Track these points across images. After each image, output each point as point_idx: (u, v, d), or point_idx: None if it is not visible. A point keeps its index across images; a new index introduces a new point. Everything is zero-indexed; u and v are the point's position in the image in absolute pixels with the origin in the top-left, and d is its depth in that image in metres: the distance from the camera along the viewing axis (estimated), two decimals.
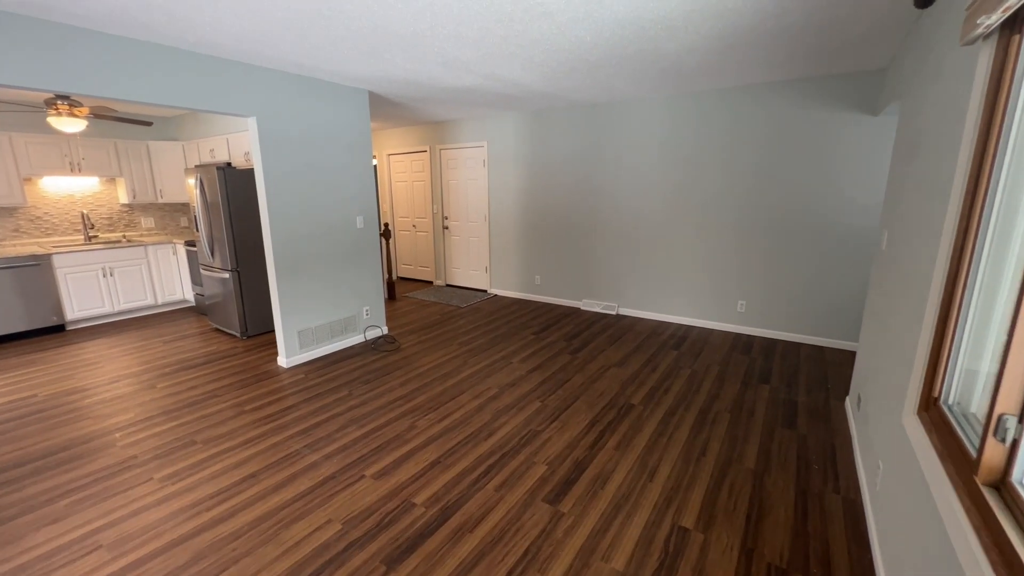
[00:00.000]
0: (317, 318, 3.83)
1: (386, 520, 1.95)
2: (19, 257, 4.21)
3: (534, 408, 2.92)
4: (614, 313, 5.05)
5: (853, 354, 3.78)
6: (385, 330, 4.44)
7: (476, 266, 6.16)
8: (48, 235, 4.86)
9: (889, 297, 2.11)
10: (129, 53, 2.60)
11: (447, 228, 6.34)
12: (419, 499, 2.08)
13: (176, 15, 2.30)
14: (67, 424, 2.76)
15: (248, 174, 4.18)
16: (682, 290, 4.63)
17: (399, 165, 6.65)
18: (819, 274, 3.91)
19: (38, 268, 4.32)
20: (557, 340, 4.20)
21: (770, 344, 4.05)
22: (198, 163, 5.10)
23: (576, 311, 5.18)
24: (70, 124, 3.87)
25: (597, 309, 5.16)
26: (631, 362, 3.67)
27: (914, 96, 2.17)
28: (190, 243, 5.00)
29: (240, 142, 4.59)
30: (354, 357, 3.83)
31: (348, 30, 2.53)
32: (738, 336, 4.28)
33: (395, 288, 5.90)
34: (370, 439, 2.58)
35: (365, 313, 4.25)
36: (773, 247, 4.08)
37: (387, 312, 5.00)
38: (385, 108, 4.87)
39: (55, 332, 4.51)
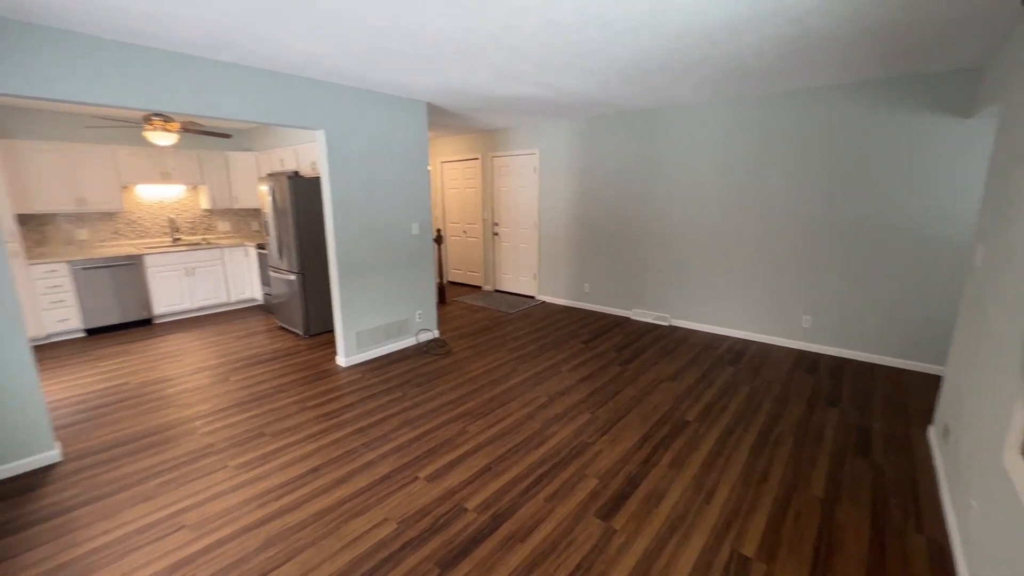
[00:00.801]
0: (373, 320, 3.99)
1: (439, 523, 2.00)
2: (117, 257, 4.69)
3: (584, 419, 2.89)
4: (666, 324, 4.91)
5: (938, 379, 3.46)
6: (436, 334, 4.56)
7: (525, 272, 6.20)
8: (141, 237, 5.38)
9: (986, 319, 1.91)
10: (216, 73, 2.85)
11: (497, 234, 6.42)
12: (471, 504, 2.11)
13: (264, 39, 2.49)
14: (155, 411, 3.04)
15: (314, 182, 4.44)
16: (740, 302, 4.43)
17: (452, 172, 6.82)
18: (899, 289, 3.62)
19: (132, 267, 4.79)
20: (607, 350, 4.14)
21: (839, 364, 3.78)
22: (270, 172, 5.47)
23: (626, 321, 5.08)
24: (163, 138, 4.27)
25: (648, 319, 5.04)
26: (685, 376, 3.55)
27: (1022, 98, 1.97)
28: (260, 246, 5.37)
29: (307, 152, 4.88)
30: (407, 359, 3.96)
31: (410, 46, 2.64)
32: (802, 353, 4.03)
33: (445, 292, 6.05)
34: (423, 441, 2.65)
35: (418, 316, 4.38)
36: (846, 259, 3.81)
37: (438, 316, 5.12)
38: (441, 118, 5.02)
39: (143, 325, 4.98)
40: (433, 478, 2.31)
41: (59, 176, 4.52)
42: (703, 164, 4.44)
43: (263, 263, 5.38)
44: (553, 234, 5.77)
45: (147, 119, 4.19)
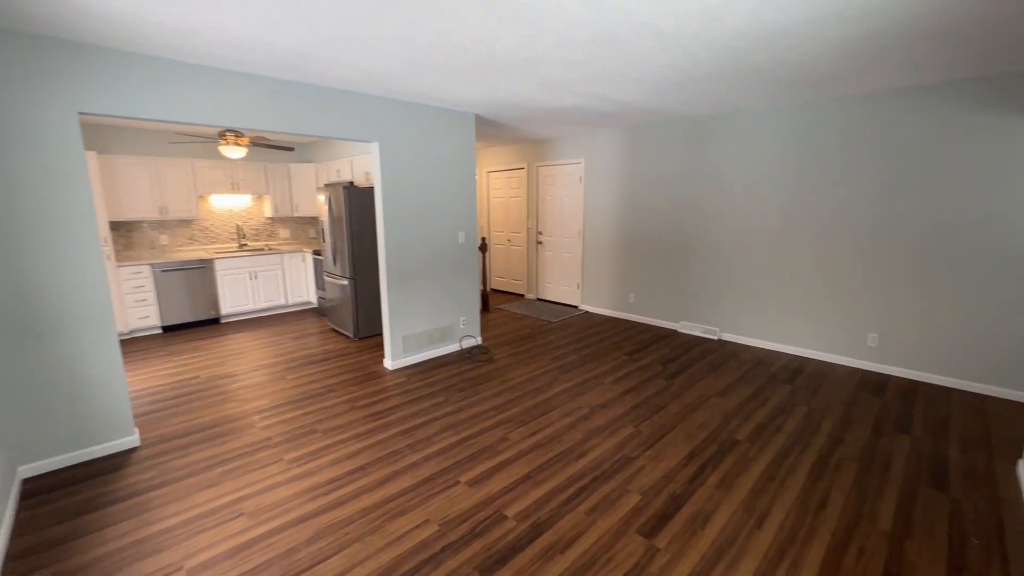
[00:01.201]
0: (419, 325, 4.11)
1: (479, 528, 2.02)
2: (191, 260, 5.11)
3: (627, 433, 2.83)
4: (715, 338, 4.72)
5: None
6: (479, 340, 4.62)
7: (568, 281, 6.17)
8: (212, 243, 5.84)
9: None
10: (283, 92, 3.06)
11: (541, 243, 6.44)
12: (511, 512, 2.12)
13: (328, 60, 2.67)
14: (220, 404, 3.27)
15: (367, 192, 4.65)
16: (796, 317, 4.19)
17: (497, 182, 6.93)
18: (982, 306, 3.30)
19: (203, 270, 5.20)
20: (652, 363, 4.03)
21: (910, 386, 3.49)
22: (327, 182, 5.79)
23: (672, 333, 4.93)
24: (234, 151, 4.64)
25: (696, 332, 4.87)
26: (735, 393, 3.39)
27: None
28: (316, 252, 5.67)
29: (362, 163, 5.13)
30: (450, 365, 4.03)
31: (462, 61, 2.73)
32: (867, 374, 3.75)
33: (489, 300, 6.12)
34: (465, 446, 2.69)
35: (462, 323, 4.46)
36: (919, 274, 3.53)
37: (481, 323, 5.19)
38: (488, 128, 5.13)
39: (212, 324, 5.38)
40: (474, 483, 2.34)
41: (146, 187, 5.00)
42: (755, 171, 4.26)
43: (318, 268, 5.68)
44: (597, 243, 5.71)
45: (221, 135, 4.56)
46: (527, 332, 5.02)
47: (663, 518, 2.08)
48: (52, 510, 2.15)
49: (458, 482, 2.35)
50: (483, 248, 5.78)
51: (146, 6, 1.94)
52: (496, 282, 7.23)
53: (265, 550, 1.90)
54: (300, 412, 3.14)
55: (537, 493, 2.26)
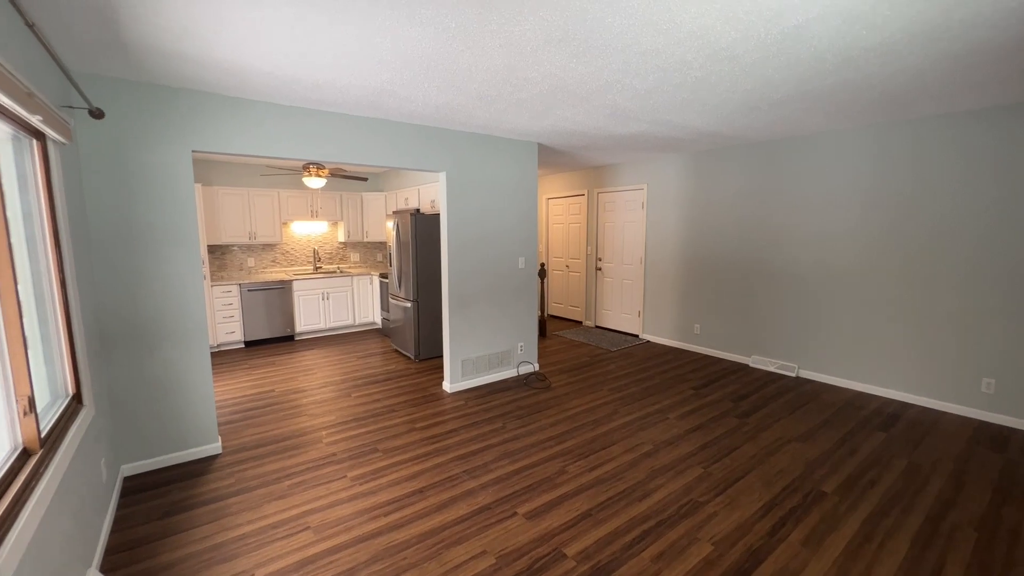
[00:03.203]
0: (478, 349, 4.14)
1: (537, 565, 1.94)
2: (273, 281, 5.55)
3: (696, 474, 2.63)
4: (793, 375, 4.34)
5: None
6: (537, 367, 4.57)
7: (628, 310, 5.99)
8: (291, 265, 6.32)
9: None
10: (360, 127, 3.30)
11: (600, 269, 6.34)
12: (570, 551, 2.02)
13: (402, 97, 2.85)
14: (291, 417, 3.46)
15: (432, 219, 4.85)
16: (892, 356, 3.76)
17: (557, 208, 6.98)
18: None
19: (282, 291, 5.62)
20: (721, 399, 3.77)
21: None
22: (395, 209, 6.11)
23: (743, 368, 4.60)
24: (316, 182, 5.04)
25: (771, 368, 4.51)
26: (818, 438, 3.07)
27: None
28: (383, 275, 5.96)
29: (428, 192, 5.38)
30: (507, 391, 4.01)
31: (528, 93, 2.81)
32: (983, 425, 3.26)
33: (546, 326, 6.08)
34: (522, 476, 2.63)
35: (519, 349, 4.45)
36: None
37: (538, 349, 5.15)
38: (550, 156, 5.21)
39: (287, 341, 5.76)
40: (532, 516, 2.26)
41: (238, 215, 5.55)
42: (838, 198, 3.96)
43: (384, 291, 5.95)
44: (660, 271, 5.53)
45: (305, 167, 4.98)
46: (585, 360, 4.90)
47: (739, 574, 1.88)
48: (145, 509, 2.34)
49: (515, 513, 2.29)
50: (541, 274, 5.79)
51: (260, 62, 2.19)
52: (554, 308, 7.19)
53: (328, 567, 1.94)
54: (363, 430, 3.23)
55: (598, 533, 2.14)
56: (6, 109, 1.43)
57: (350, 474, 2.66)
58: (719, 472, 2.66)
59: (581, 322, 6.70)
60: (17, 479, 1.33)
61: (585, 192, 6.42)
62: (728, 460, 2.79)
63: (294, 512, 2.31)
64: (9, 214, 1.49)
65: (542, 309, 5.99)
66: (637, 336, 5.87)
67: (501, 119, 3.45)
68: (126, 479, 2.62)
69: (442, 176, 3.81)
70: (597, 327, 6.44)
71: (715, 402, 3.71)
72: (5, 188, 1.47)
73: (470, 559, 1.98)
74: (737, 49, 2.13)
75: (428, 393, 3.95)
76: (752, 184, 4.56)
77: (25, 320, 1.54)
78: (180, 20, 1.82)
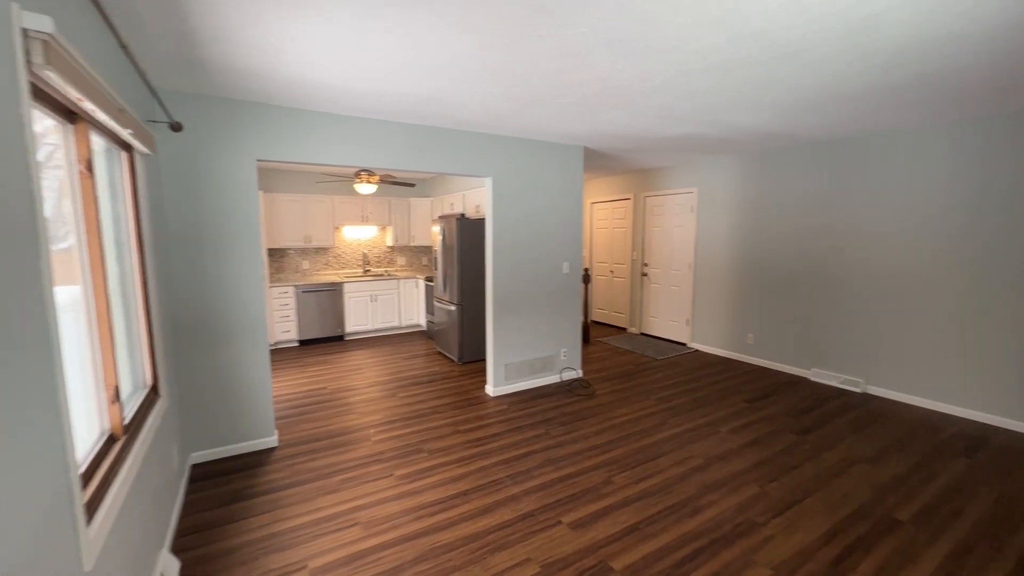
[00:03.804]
0: (521, 354, 4.14)
1: None
2: (325, 283, 5.80)
3: (751, 493, 2.49)
4: (858, 391, 4.03)
5: None
6: (580, 373, 4.51)
7: (675, 317, 5.80)
8: (342, 268, 6.58)
9: None
10: (410, 135, 3.40)
11: (646, 275, 6.18)
12: (617, 565, 1.96)
13: (447, 103, 2.91)
14: (342, 414, 3.59)
15: (477, 223, 4.90)
16: (975, 373, 3.42)
17: (601, 213, 6.88)
18: None
19: (334, 292, 5.87)
20: (778, 414, 3.56)
21: None
22: (441, 214, 6.24)
23: (801, 381, 4.33)
24: (366, 188, 5.23)
25: (833, 383, 4.21)
26: (889, 461, 2.83)
27: None
28: (428, 279, 6.09)
29: (473, 197, 5.45)
30: (550, 396, 3.97)
31: (575, 96, 2.78)
32: None
33: (589, 332, 5.99)
34: (567, 484, 2.58)
35: (563, 354, 4.40)
36: None
37: (582, 355, 5.08)
38: (596, 160, 5.14)
39: (337, 341, 5.99)
40: (577, 526, 2.22)
41: (295, 220, 5.85)
42: (913, 200, 3.65)
43: (429, 294, 6.07)
44: (711, 277, 5.31)
45: (357, 174, 5.18)
46: (630, 368, 4.78)
47: None
48: (210, 495, 2.49)
49: (560, 522, 2.25)
50: (586, 279, 5.71)
51: (319, 74, 2.31)
52: (597, 314, 7.07)
53: (376, 563, 1.98)
54: (409, 430, 3.30)
55: (647, 548, 2.06)
56: (103, 124, 1.57)
57: (396, 472, 2.72)
58: (776, 491, 2.50)
59: (625, 329, 6.55)
60: (104, 461, 1.45)
61: (631, 196, 6.29)
62: (787, 479, 2.62)
63: (344, 507, 2.38)
64: (101, 219, 1.64)
65: (585, 315, 5.90)
66: (685, 345, 5.66)
67: (548, 123, 3.44)
68: (193, 466, 2.80)
69: (488, 181, 3.85)
70: (642, 334, 6.27)
71: (771, 417, 3.50)
72: (99, 195, 1.61)
73: (514, 566, 1.96)
74: (804, 43, 2.01)
75: (471, 396, 3.99)
76: (814, 185, 4.29)
77: (112, 316, 1.68)
78: (250, 38, 1.94)
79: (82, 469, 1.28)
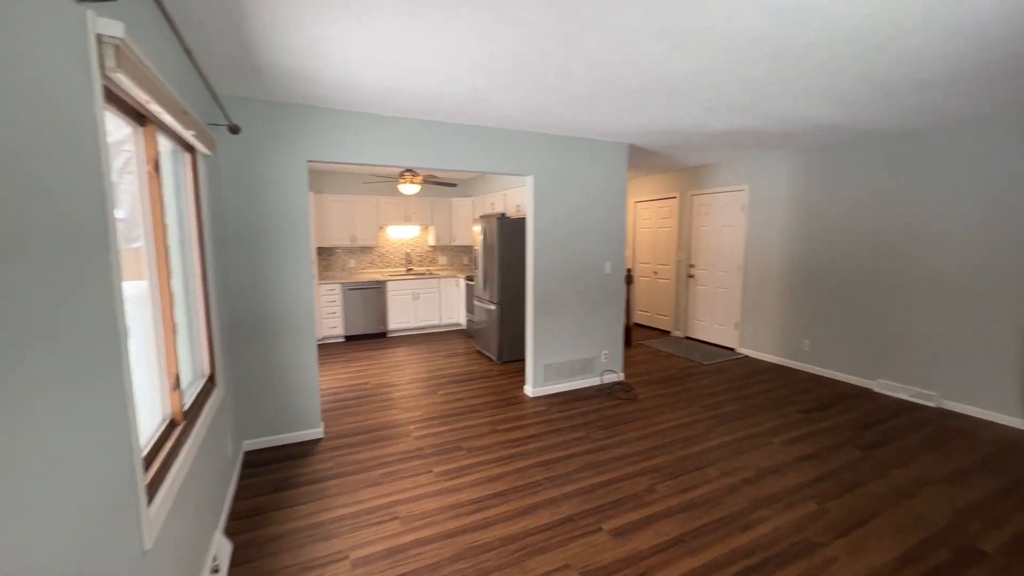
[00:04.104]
0: (561, 355, 4.07)
1: None
2: (369, 282, 5.97)
3: (808, 510, 2.32)
4: (932, 405, 3.69)
5: None
6: (622, 377, 4.39)
7: (723, 320, 5.54)
8: (386, 267, 6.75)
9: None
10: (453, 135, 3.42)
11: (692, 277, 5.95)
12: None
13: (492, 101, 2.90)
14: (383, 409, 3.66)
15: (517, 223, 4.88)
16: None
17: (645, 212, 6.69)
18: None
19: (378, 290, 6.02)
20: (838, 427, 3.31)
21: None
22: (482, 214, 6.27)
23: (865, 393, 4.01)
24: (410, 188, 5.33)
25: (902, 396, 3.87)
26: (972, 483, 2.56)
27: None
28: (469, 278, 6.13)
29: (513, 196, 5.44)
30: (590, 399, 3.89)
31: (621, 90, 2.70)
32: None
33: (631, 334, 5.83)
34: (608, 490, 2.51)
35: (603, 357, 4.30)
36: None
37: (623, 358, 4.94)
38: (641, 158, 5.00)
39: (380, 337, 6.15)
40: (618, 534, 2.14)
41: (342, 220, 6.05)
42: (988, 195, 3.29)
43: (469, 293, 6.12)
44: (762, 279, 5.04)
45: (401, 174, 5.29)
46: (674, 373, 4.60)
47: None
48: (260, 482, 2.60)
49: (600, 529, 2.18)
50: (628, 280, 5.56)
51: (365, 75, 2.36)
52: (640, 316, 6.88)
53: (415, 558, 1.99)
54: (447, 428, 3.32)
55: (693, 562, 1.96)
56: (168, 126, 1.66)
57: (436, 469, 2.74)
58: (838, 510, 2.32)
59: (669, 332, 6.33)
60: (165, 445, 1.53)
61: (677, 195, 6.07)
62: (850, 497, 2.42)
63: (385, 501, 2.42)
64: (166, 218, 1.74)
65: (628, 317, 5.75)
66: (733, 350, 5.39)
67: (592, 120, 3.36)
68: (246, 453, 2.94)
69: (529, 180, 3.82)
70: (687, 338, 6.03)
71: (831, 429, 3.26)
72: (164, 195, 1.71)
73: (553, 571, 1.92)
74: (875, 24, 1.85)
75: (510, 396, 3.97)
76: (877, 181, 3.97)
77: (175, 309, 1.78)
78: (301, 41, 2.01)
79: (144, 452, 1.35)
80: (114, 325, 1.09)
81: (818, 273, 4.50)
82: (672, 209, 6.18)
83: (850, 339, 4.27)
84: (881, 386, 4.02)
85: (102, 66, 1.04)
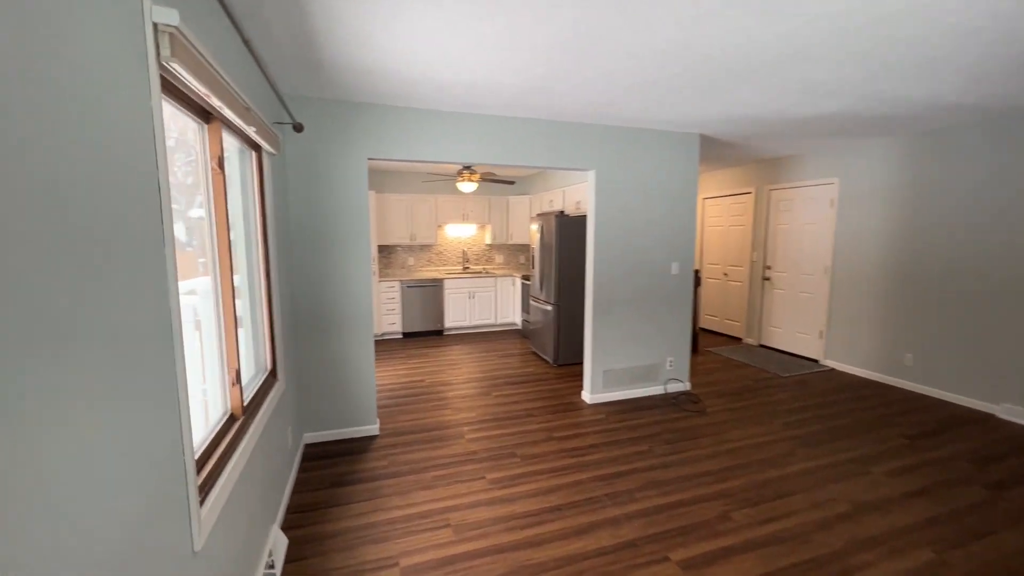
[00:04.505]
0: (622, 361, 3.84)
1: None
2: (428, 279, 6.03)
3: (924, 558, 1.96)
4: None
5: None
6: (688, 386, 4.07)
7: (805, 328, 5.00)
8: (443, 265, 6.80)
9: None
10: (512, 129, 3.30)
11: (768, 279, 5.44)
12: None
13: (553, 91, 2.75)
14: (438, 409, 3.63)
15: (576, 221, 4.69)
16: None
17: (715, 209, 6.22)
18: None
19: (435, 288, 6.07)
20: (954, 458, 2.82)
21: None
22: (540, 212, 6.13)
23: (987, 419, 3.42)
24: (468, 186, 5.30)
25: None
26: None
27: None
28: (525, 277, 6.02)
29: (573, 193, 5.24)
30: (653, 409, 3.63)
31: (693, 74, 2.44)
32: None
33: (698, 341, 5.43)
34: (675, 513, 2.28)
35: (668, 364, 4.01)
36: None
37: (690, 366, 4.60)
38: (712, 150, 4.62)
39: (436, 335, 6.20)
40: (688, 566, 1.92)
41: (402, 218, 6.16)
42: None
43: (525, 292, 6.00)
44: (854, 283, 4.48)
45: (459, 172, 5.27)
46: (748, 384, 4.21)
47: None
48: (317, 476, 2.64)
49: (667, 558, 1.97)
50: (695, 282, 5.18)
51: (424, 67, 2.30)
52: (707, 321, 6.42)
53: (466, 571, 1.89)
54: (502, 431, 3.22)
55: None
56: (232, 123, 1.67)
57: (489, 476, 2.64)
58: (963, 562, 1.93)
59: (740, 339, 5.84)
60: (223, 441, 1.54)
61: (752, 190, 5.57)
62: (977, 548, 2.02)
63: (437, 506, 2.35)
64: (233, 214, 1.76)
65: (694, 322, 5.36)
66: (816, 361, 4.85)
67: (659, 108, 3.11)
68: (307, 446, 3.00)
69: (591, 175, 3.62)
70: (761, 346, 5.53)
71: (945, 460, 2.79)
72: (228, 192, 1.73)
73: None
74: None
75: (567, 401, 3.79)
76: (1008, 170, 3.36)
77: (239, 304, 1.81)
78: (360, 34, 1.97)
79: (199, 452, 1.34)
80: (168, 323, 1.07)
81: (925, 277, 3.91)
82: (746, 205, 5.69)
83: (966, 355, 3.66)
84: (1007, 411, 3.40)
85: (158, 55, 1.01)
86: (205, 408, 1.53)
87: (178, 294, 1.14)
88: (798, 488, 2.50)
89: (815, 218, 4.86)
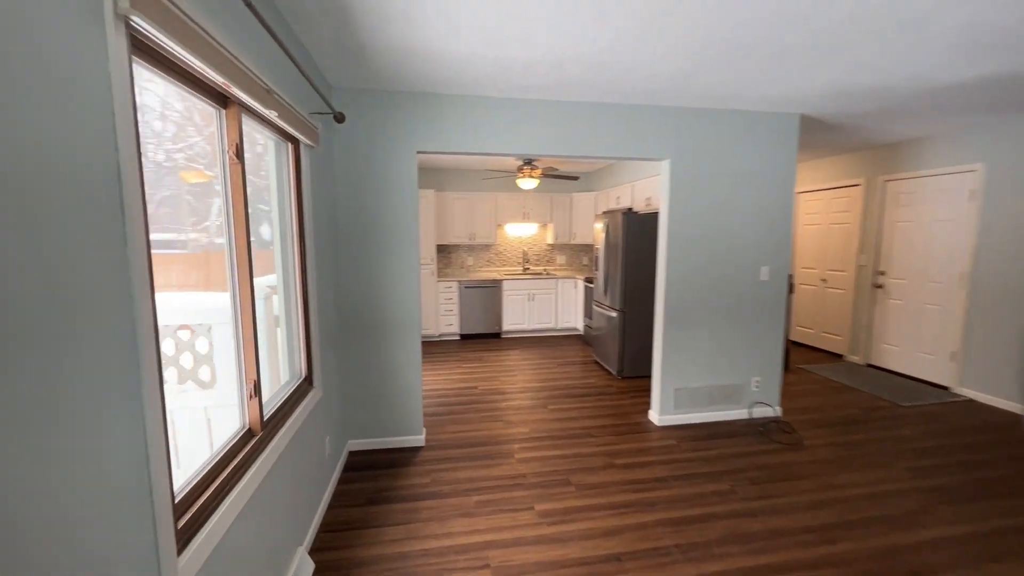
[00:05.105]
0: (697, 378, 3.34)
1: None
2: (486, 280, 5.83)
3: None
4: None
5: None
6: (778, 411, 3.47)
7: (931, 347, 4.13)
8: (503, 265, 6.58)
9: None
10: (572, 113, 2.95)
11: (881, 286, 4.58)
12: None
13: (622, 66, 2.37)
14: (489, 420, 3.38)
15: (645, 218, 4.22)
16: None
17: (811, 205, 5.40)
18: None
19: (494, 289, 5.85)
20: None
21: None
22: (605, 209, 5.69)
23: None
24: (528, 183, 5.02)
25: None
26: None
27: None
28: (588, 280, 5.61)
29: (643, 188, 4.76)
30: (736, 437, 3.10)
31: (809, 29, 1.94)
32: None
33: (789, 356, 4.71)
34: None
35: (754, 384, 3.44)
36: None
37: (781, 388, 3.96)
38: (809, 135, 3.93)
39: (494, 338, 5.98)
40: None
41: (463, 217, 6.01)
42: None
43: (588, 296, 5.60)
44: (1003, 294, 3.59)
45: (520, 168, 5.00)
46: (855, 413, 3.51)
47: None
48: (356, 489, 2.48)
49: None
50: (789, 289, 4.48)
51: (475, 46, 2.04)
52: (799, 333, 5.60)
53: None
54: (556, 452, 2.89)
55: None
56: (252, 108, 1.51)
57: (537, 506, 2.32)
58: None
59: (842, 356, 5.00)
60: (236, 457, 1.37)
61: (861, 181, 4.74)
62: None
63: (477, 539, 2.08)
64: (268, 212, 1.61)
65: (786, 335, 4.65)
66: (946, 389, 3.98)
67: (751, 82, 2.60)
68: (350, 454, 2.88)
69: (665, 165, 3.17)
70: (869, 366, 4.68)
71: None
72: (247, 183, 1.57)
73: None
74: None
75: (632, 421, 3.37)
76: None
77: (275, 305, 1.65)
78: (400, 7, 1.74)
79: (192, 484, 1.16)
80: (132, 333, 0.88)
81: None
82: (852, 200, 4.85)
83: None
84: None
85: (115, 6, 0.81)
86: (209, 428, 1.37)
87: (153, 301, 0.95)
88: (940, 563, 1.92)
89: (948, 214, 3.98)
